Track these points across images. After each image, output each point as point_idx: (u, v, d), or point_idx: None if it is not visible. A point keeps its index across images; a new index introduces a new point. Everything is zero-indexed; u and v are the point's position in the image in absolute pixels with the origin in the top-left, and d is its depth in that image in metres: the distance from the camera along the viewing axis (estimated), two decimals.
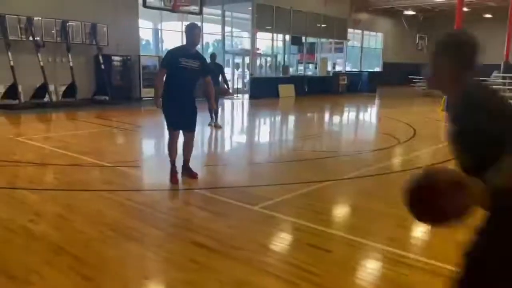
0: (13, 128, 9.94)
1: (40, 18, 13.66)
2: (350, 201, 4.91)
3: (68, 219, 4.02)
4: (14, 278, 2.89)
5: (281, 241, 3.68)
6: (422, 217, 1.51)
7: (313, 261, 3.20)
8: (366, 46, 29.48)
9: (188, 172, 5.40)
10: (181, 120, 5.16)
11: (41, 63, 13.55)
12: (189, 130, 5.29)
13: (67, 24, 14.27)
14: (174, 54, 5.10)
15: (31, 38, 13.42)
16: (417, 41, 29.17)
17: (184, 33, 5.18)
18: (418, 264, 3.22)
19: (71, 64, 14.28)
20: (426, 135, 9.46)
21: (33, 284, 2.83)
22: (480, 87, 1.67)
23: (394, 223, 4.15)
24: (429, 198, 1.42)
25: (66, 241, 3.51)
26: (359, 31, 28.10)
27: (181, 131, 5.29)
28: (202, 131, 10.87)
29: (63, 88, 14.55)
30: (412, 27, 30.33)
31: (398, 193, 5.28)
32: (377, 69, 30.55)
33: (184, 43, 5.20)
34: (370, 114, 15.68)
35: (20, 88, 13.11)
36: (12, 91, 13.02)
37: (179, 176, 5.30)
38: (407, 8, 27.63)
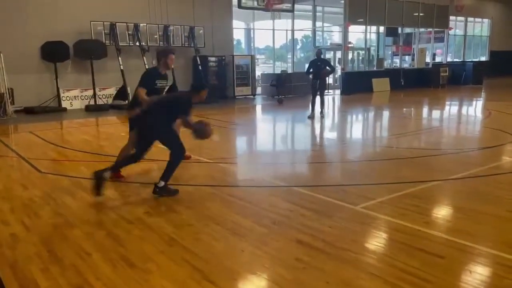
0: (124, 127, 10.80)
1: (145, 25, 14.78)
2: (460, 203, 4.56)
3: (177, 212, 4.29)
4: (134, 266, 3.16)
5: (387, 244, 3.54)
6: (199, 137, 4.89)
7: (424, 267, 3.03)
8: (470, 34, 27.17)
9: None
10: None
11: (146, 66, 14.62)
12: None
13: (169, 28, 15.24)
14: (151, 75, 5.54)
15: (137, 44, 14.58)
16: None
17: (158, 56, 5.59)
18: None
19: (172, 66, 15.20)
20: None
21: (151, 272, 3.06)
22: None
23: (511, 227, 3.77)
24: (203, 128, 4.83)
25: (177, 233, 3.75)
26: (462, 18, 25.99)
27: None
28: (296, 127, 10.96)
29: (166, 89, 15.54)
30: None
31: None
32: (483, 58, 28.02)
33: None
34: (476, 108, 14.42)
35: (129, 89, 14.31)
36: (122, 92, 14.28)
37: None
38: None
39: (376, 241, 3.57)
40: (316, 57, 11.42)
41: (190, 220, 4.06)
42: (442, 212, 4.35)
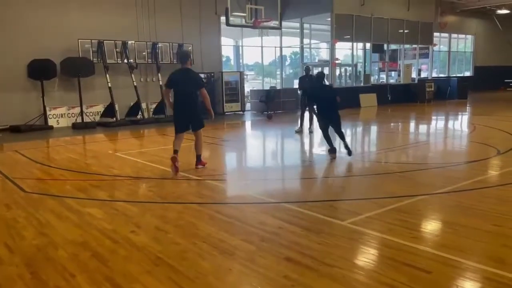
0: (111, 144, 10.80)
1: (133, 42, 14.83)
2: (447, 217, 4.58)
3: (164, 231, 4.24)
4: (119, 287, 3.10)
5: (375, 259, 3.53)
6: None
7: (412, 282, 3.02)
8: (454, 50, 27.75)
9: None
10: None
11: (135, 83, 14.66)
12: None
13: (157, 46, 15.30)
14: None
15: (125, 61, 14.60)
16: None
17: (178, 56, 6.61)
18: None
19: (160, 82, 15.24)
20: None
21: None
22: None
23: (498, 242, 3.80)
24: None
25: (164, 252, 3.70)
26: (446, 35, 26.58)
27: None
28: (286, 143, 11.00)
29: (154, 105, 15.59)
30: (506, 27, 28.00)
31: (502, 209, 4.89)
32: (468, 73, 28.57)
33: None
34: (462, 122, 14.63)
35: (116, 106, 14.28)
36: (109, 109, 14.23)
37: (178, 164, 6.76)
38: (500, 7, 25.59)
39: (364, 257, 3.55)
40: (305, 74, 11.73)
41: (177, 239, 4.02)
42: (429, 227, 4.36)
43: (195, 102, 7.11)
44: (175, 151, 6.84)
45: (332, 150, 7.82)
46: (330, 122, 7.91)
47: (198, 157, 7.16)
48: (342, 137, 7.88)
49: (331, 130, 7.93)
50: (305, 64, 17.76)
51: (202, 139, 7.29)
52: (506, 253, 3.57)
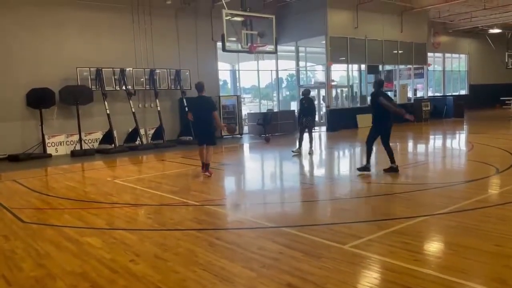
0: (110, 171, 10.78)
1: (131, 69, 15.00)
2: (448, 238, 4.55)
3: (163, 259, 4.19)
4: None
5: (377, 283, 3.49)
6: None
7: None
8: (448, 69, 28.10)
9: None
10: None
11: (133, 109, 14.75)
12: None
13: (155, 72, 15.48)
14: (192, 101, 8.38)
15: (124, 88, 14.73)
16: (506, 60, 27.16)
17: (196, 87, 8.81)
18: None
19: (158, 108, 15.36)
20: None
21: None
22: None
23: (501, 262, 3.77)
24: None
25: (164, 281, 3.66)
26: (440, 54, 26.96)
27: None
28: (284, 165, 11.00)
29: (152, 131, 15.65)
30: (499, 46, 28.44)
31: (504, 228, 4.86)
32: (463, 92, 28.85)
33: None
34: (459, 141, 14.68)
35: (115, 133, 14.32)
36: (108, 136, 14.26)
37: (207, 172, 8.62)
38: (492, 27, 26.06)
39: (366, 281, 3.52)
40: (303, 96, 11.87)
41: (176, 267, 3.97)
42: (431, 249, 4.33)
43: (208, 122, 8.74)
44: (202, 164, 8.87)
45: (367, 168, 8.06)
46: (384, 133, 8.12)
47: (207, 166, 8.75)
48: (389, 152, 8.14)
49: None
50: (302, 87, 17.98)
51: (212, 153, 9.04)
52: (508, 273, 3.54)
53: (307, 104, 11.62)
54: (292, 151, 11.55)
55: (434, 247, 4.38)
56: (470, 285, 3.30)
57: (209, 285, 3.55)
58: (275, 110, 20.02)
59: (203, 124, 8.76)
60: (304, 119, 11.54)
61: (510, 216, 5.30)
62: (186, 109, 11.02)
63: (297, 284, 3.44)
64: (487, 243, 4.22)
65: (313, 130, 11.88)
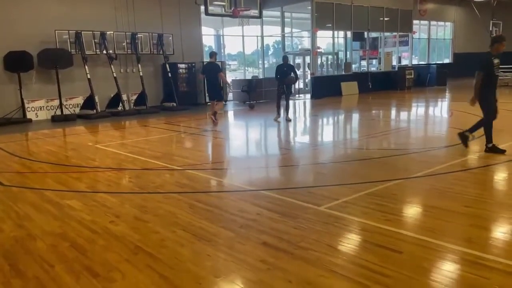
0: (91, 136, 10.70)
1: (112, 33, 14.62)
2: (421, 200, 4.72)
3: (143, 220, 4.27)
4: (97, 275, 3.13)
5: (349, 242, 3.63)
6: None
7: (383, 262, 3.13)
8: (434, 37, 28.07)
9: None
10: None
11: (114, 74, 14.50)
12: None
13: (136, 36, 15.12)
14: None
15: (104, 52, 14.40)
16: (490, 29, 27.19)
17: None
18: (499, 266, 3.04)
19: (141, 73, 15.12)
20: (504, 129, 8.81)
21: (115, 281, 3.05)
22: None
23: (470, 223, 3.94)
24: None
25: (143, 241, 3.74)
26: (426, 22, 26.84)
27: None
28: (267, 132, 11.07)
29: (135, 97, 15.46)
30: (484, 14, 28.38)
31: (474, 191, 5.05)
32: (447, 60, 28.97)
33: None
34: (441, 109, 14.89)
35: (96, 98, 14.11)
36: (89, 102, 14.06)
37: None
38: None
39: (339, 240, 3.65)
40: (282, 63, 11.69)
41: (156, 228, 4.05)
42: (403, 210, 4.48)
43: (216, 82, 11.49)
44: (213, 113, 11.31)
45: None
46: None
47: (215, 113, 11.28)
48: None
49: None
50: (285, 53, 17.82)
51: (221, 106, 11.98)
52: (475, 232, 3.71)
53: (290, 71, 11.54)
54: (274, 120, 11.62)
55: (406, 208, 4.54)
56: (439, 243, 3.45)
57: (187, 244, 3.64)
58: (260, 77, 19.90)
59: (213, 83, 11.39)
60: (285, 86, 11.47)
61: (481, 179, 5.51)
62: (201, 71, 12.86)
63: (273, 243, 3.56)
64: (457, 204, 4.39)
65: (290, 98, 11.98)
